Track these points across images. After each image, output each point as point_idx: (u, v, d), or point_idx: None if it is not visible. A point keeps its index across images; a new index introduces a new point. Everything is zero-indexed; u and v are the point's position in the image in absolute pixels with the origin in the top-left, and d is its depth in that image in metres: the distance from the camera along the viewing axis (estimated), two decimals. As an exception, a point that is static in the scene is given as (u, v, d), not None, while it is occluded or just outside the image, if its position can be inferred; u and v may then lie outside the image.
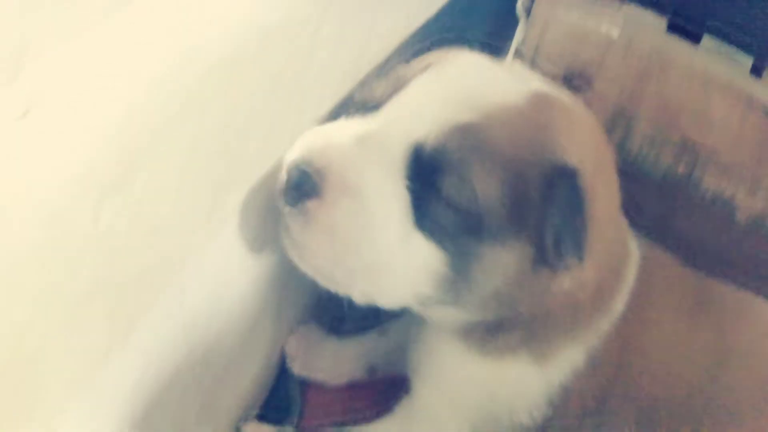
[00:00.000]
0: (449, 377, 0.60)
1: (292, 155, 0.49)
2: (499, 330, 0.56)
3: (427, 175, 0.47)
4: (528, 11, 0.60)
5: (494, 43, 1.03)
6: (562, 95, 0.54)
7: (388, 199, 0.48)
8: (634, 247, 0.61)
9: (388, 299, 0.52)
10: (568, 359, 0.57)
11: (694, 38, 0.62)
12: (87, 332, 0.42)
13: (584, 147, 0.52)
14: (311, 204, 0.47)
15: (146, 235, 0.47)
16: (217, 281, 0.51)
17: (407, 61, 0.66)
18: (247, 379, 0.66)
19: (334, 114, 0.60)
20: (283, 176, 0.49)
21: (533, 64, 0.61)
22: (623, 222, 0.60)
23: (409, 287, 0.50)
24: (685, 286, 0.62)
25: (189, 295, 0.48)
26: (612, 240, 0.57)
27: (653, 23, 0.62)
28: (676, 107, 0.59)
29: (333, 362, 0.72)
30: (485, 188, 0.46)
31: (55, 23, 0.60)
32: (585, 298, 0.55)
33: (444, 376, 0.61)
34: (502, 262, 0.49)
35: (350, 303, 0.54)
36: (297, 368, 0.71)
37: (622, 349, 0.58)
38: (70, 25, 0.61)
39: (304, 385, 0.72)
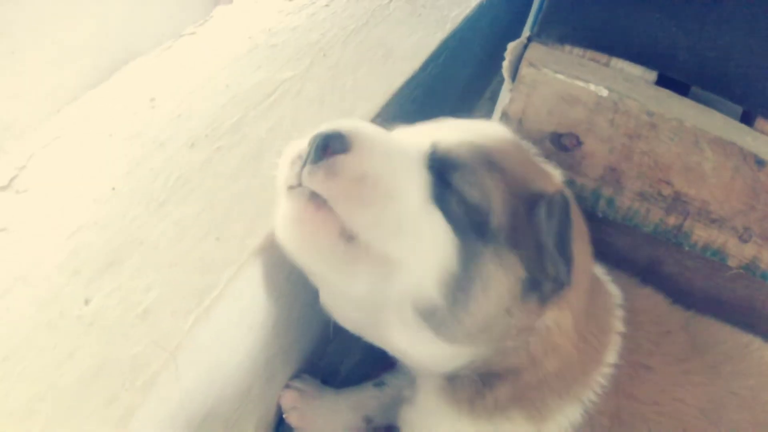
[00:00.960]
0: None
1: (317, 130, 0.52)
2: (486, 386, 0.58)
3: (441, 170, 0.52)
4: (514, 72, 0.62)
5: (476, 86, 1.07)
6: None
7: (412, 171, 0.52)
8: (613, 291, 0.64)
9: (405, 274, 0.51)
10: (566, 416, 0.59)
11: (682, 90, 0.64)
12: (89, 417, 0.44)
13: (554, 187, 0.57)
14: (340, 157, 0.49)
15: (138, 318, 0.50)
16: (211, 360, 0.53)
17: (391, 118, 0.69)
18: (245, 437, 0.69)
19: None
20: (305, 145, 0.52)
21: (520, 124, 0.63)
22: (596, 270, 0.63)
23: (422, 268, 0.51)
24: (677, 328, 0.65)
25: (185, 377, 0.50)
26: (587, 286, 0.59)
27: (642, 77, 0.64)
28: (667, 163, 0.61)
29: (329, 414, 0.75)
30: (493, 191, 0.52)
31: (35, 104, 0.62)
32: (572, 352, 0.57)
33: None
34: (498, 278, 0.52)
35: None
36: (294, 421, 0.73)
37: (616, 399, 0.60)
38: (47, 103, 0.63)
39: (302, 437, 0.75)
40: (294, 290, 0.62)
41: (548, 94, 0.61)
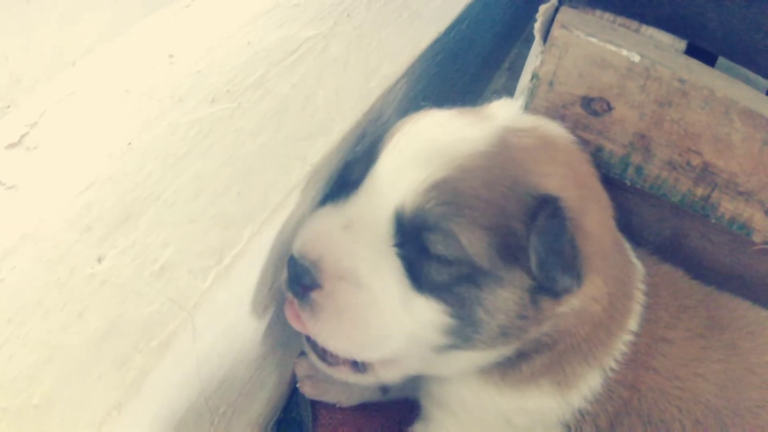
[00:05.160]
0: (467, 406, 0.58)
1: (293, 248, 0.51)
2: (521, 360, 0.54)
3: (413, 237, 0.48)
4: (545, 34, 0.56)
5: (496, 56, 1.01)
6: (538, 123, 0.54)
7: (383, 273, 0.49)
8: (637, 263, 0.59)
9: (405, 362, 0.53)
10: (587, 384, 0.55)
11: (709, 62, 0.58)
12: (98, 381, 0.38)
13: (563, 170, 0.51)
14: (315, 294, 0.48)
15: (154, 276, 0.43)
16: (230, 321, 0.47)
17: (415, 81, 0.63)
18: (260, 404, 0.63)
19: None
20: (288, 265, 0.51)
21: (551, 87, 0.56)
22: (621, 238, 0.59)
23: (420, 344, 0.51)
24: (696, 303, 0.60)
25: (202, 338, 0.44)
26: (614, 251, 0.56)
27: (672, 45, 0.58)
28: (697, 132, 0.55)
29: (344, 383, 0.68)
30: (469, 236, 0.47)
31: (48, 57, 0.55)
32: (601, 315, 0.53)
33: (462, 405, 0.58)
34: (502, 299, 0.49)
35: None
36: (307, 390, 0.68)
37: (635, 370, 0.56)
38: (60, 56, 0.56)
39: (316, 405, 0.69)
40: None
41: (580, 56, 0.54)
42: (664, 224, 0.63)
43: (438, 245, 0.47)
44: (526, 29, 1.03)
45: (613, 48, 0.53)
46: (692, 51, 0.60)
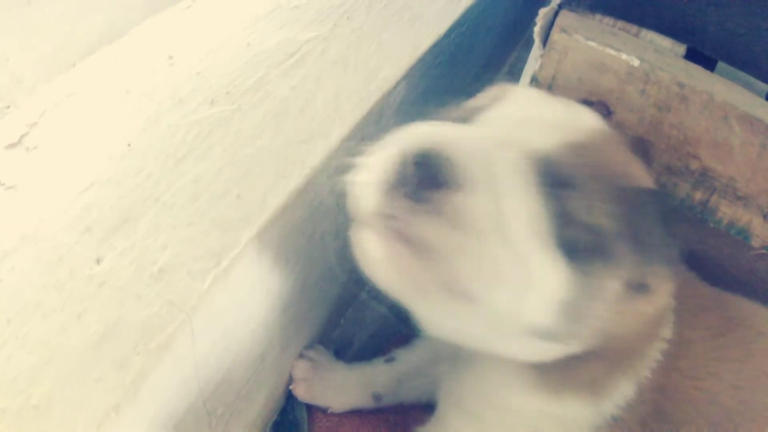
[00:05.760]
0: (496, 411, 0.55)
1: (408, 146, 0.39)
2: (582, 363, 0.50)
3: (554, 188, 0.41)
4: (545, 38, 0.56)
5: (496, 60, 1.01)
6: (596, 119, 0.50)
7: (523, 205, 0.40)
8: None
9: (518, 317, 0.43)
10: (621, 392, 0.53)
11: (709, 66, 0.58)
12: (97, 382, 0.39)
13: (637, 164, 0.48)
14: (448, 197, 0.38)
15: (152, 278, 0.44)
16: (228, 323, 0.47)
17: (415, 83, 0.63)
18: (258, 406, 0.63)
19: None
20: (393, 167, 0.39)
21: (550, 90, 0.57)
22: None
23: (536, 311, 0.42)
24: (711, 303, 0.60)
25: (200, 340, 0.44)
26: None
27: (672, 49, 0.58)
28: (696, 137, 0.55)
29: (338, 389, 0.69)
30: (606, 206, 0.41)
31: (49, 58, 0.55)
32: (645, 327, 0.51)
33: (491, 410, 0.55)
34: (613, 287, 0.43)
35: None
36: (300, 392, 0.67)
37: (665, 373, 0.54)
38: (61, 57, 0.56)
39: (312, 407, 0.69)
40: (313, 254, 0.56)
41: (579, 61, 0.55)
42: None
43: (579, 205, 0.40)
44: (526, 33, 1.03)
45: (612, 52, 0.54)
46: (692, 55, 0.60)
